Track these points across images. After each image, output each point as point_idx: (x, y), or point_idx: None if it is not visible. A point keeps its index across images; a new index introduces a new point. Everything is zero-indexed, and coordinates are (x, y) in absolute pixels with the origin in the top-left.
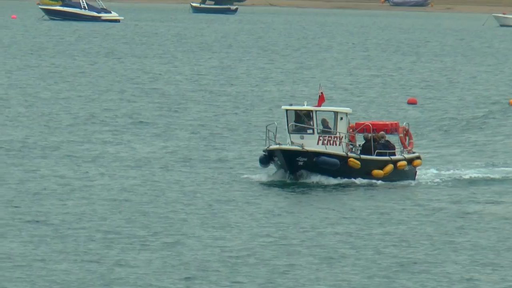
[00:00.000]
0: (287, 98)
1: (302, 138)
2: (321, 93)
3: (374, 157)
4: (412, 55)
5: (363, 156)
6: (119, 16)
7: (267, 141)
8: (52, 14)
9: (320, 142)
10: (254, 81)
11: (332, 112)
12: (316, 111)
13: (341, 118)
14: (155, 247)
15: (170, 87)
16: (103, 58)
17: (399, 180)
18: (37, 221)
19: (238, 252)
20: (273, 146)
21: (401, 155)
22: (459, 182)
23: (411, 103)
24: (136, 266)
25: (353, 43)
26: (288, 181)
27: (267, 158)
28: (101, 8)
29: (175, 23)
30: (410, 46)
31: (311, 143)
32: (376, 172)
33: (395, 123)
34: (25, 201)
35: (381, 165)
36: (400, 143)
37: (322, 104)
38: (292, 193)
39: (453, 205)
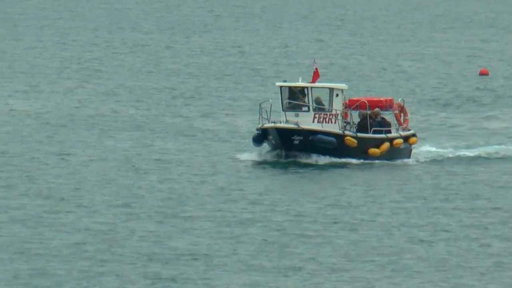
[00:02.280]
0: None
1: (297, 115)
2: (316, 68)
3: (371, 135)
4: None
5: (359, 134)
6: None
7: (261, 119)
8: None
9: (316, 119)
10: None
11: (327, 89)
12: (311, 87)
13: (337, 95)
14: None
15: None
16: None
17: (395, 158)
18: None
19: (233, 229)
20: (267, 125)
21: (396, 132)
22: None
23: (483, 74)
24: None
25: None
26: (283, 160)
27: (261, 136)
28: None
29: None
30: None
31: (306, 121)
32: (373, 150)
33: (390, 99)
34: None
35: (378, 143)
36: (395, 120)
37: (317, 80)
38: (287, 173)
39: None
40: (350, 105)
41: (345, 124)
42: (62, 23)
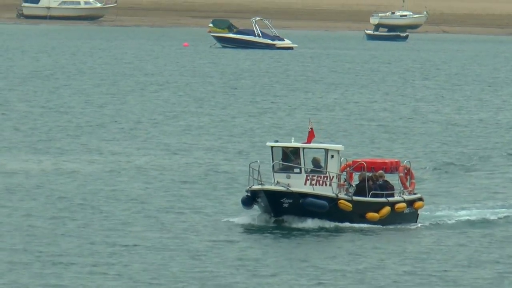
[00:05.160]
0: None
1: (288, 177)
2: (311, 128)
3: (368, 198)
4: None
5: (355, 198)
6: (293, 43)
7: (250, 181)
8: (225, 42)
9: (308, 182)
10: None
11: (323, 150)
12: (304, 148)
13: (332, 156)
14: None
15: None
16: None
17: (397, 223)
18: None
19: None
20: (256, 186)
21: (400, 196)
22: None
23: None
24: None
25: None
26: (272, 224)
27: (250, 199)
28: (274, 35)
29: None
30: None
31: (298, 183)
32: (371, 215)
33: (396, 162)
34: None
35: (377, 207)
36: (400, 183)
37: (312, 140)
38: (276, 238)
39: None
40: (354, 167)
41: (348, 186)
42: None
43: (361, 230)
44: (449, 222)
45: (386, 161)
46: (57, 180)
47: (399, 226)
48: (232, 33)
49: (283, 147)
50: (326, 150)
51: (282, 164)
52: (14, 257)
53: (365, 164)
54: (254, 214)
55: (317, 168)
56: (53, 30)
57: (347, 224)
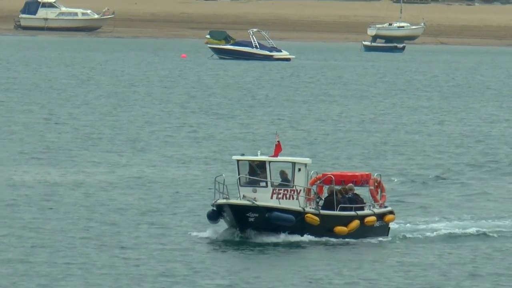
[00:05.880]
0: None
1: (254, 191)
2: (278, 141)
3: (336, 212)
4: None
5: (322, 212)
6: (290, 55)
7: (216, 194)
8: (223, 53)
9: (275, 196)
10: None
11: (290, 163)
12: (270, 161)
13: (299, 170)
14: None
15: None
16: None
17: (367, 237)
18: None
19: None
20: (221, 200)
21: (370, 209)
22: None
23: None
24: None
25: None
26: (237, 239)
27: (216, 213)
28: (271, 46)
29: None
30: None
31: (264, 197)
32: (340, 229)
33: (366, 174)
34: None
35: (345, 221)
36: (370, 197)
37: (279, 153)
38: (242, 253)
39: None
40: (323, 179)
41: (318, 200)
42: None
43: (328, 244)
44: (421, 236)
45: (356, 174)
46: (57, 191)
47: (369, 240)
48: (229, 45)
49: (249, 161)
50: (293, 164)
51: (248, 178)
52: (14, 268)
53: (333, 177)
54: (220, 229)
55: (285, 181)
56: (49, 41)
57: (314, 238)
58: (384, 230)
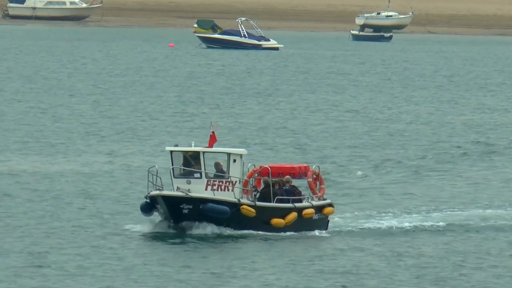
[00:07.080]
0: None
1: (188, 183)
2: (213, 132)
3: (273, 204)
4: None
5: (258, 203)
6: (278, 44)
7: (149, 186)
8: (211, 42)
9: (209, 187)
10: None
11: (225, 154)
12: (204, 152)
13: (234, 161)
14: None
15: None
16: None
17: (305, 230)
18: None
19: None
20: (154, 192)
21: (308, 202)
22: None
23: None
24: None
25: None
26: (172, 231)
27: (149, 205)
28: (260, 35)
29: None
30: None
31: (198, 188)
32: (276, 221)
33: (304, 167)
34: None
35: (282, 213)
36: (309, 189)
37: (214, 144)
38: (178, 246)
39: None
40: (260, 171)
41: (255, 192)
42: None
43: (264, 237)
44: (360, 228)
45: (294, 166)
46: (53, 179)
47: (306, 233)
48: (217, 34)
49: (183, 151)
50: (228, 154)
51: (182, 169)
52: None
53: (269, 169)
54: (154, 221)
55: (220, 173)
56: (37, 30)
57: (250, 231)
58: (323, 222)
